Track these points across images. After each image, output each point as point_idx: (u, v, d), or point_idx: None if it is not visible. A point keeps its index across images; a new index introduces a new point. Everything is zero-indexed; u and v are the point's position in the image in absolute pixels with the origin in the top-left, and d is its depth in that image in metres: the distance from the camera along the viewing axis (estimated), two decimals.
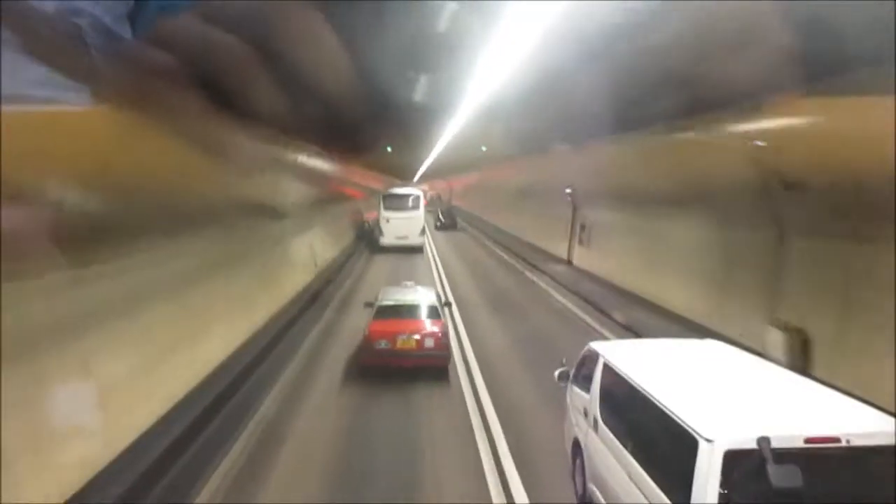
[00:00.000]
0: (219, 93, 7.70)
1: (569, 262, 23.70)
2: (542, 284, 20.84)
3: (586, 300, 17.30)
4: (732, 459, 4.14)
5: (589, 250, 21.66)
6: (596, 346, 6.97)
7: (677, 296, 14.52)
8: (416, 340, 10.72)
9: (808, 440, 4.15)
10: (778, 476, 3.96)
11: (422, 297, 12.16)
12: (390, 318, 11.22)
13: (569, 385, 7.51)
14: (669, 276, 15.03)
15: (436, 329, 10.97)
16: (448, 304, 14.80)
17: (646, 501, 4.97)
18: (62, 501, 5.93)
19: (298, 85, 8.97)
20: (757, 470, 4.06)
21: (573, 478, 7.13)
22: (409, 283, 14.26)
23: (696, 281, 13.57)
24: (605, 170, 17.58)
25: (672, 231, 14.82)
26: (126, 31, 5.34)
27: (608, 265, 19.44)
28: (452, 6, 7.79)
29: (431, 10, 7.95)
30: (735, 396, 5.10)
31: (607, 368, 6.38)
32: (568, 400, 7.53)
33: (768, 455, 4.03)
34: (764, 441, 4.07)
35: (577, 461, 6.97)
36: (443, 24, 8.20)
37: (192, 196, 9.37)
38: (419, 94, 12.44)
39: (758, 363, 6.00)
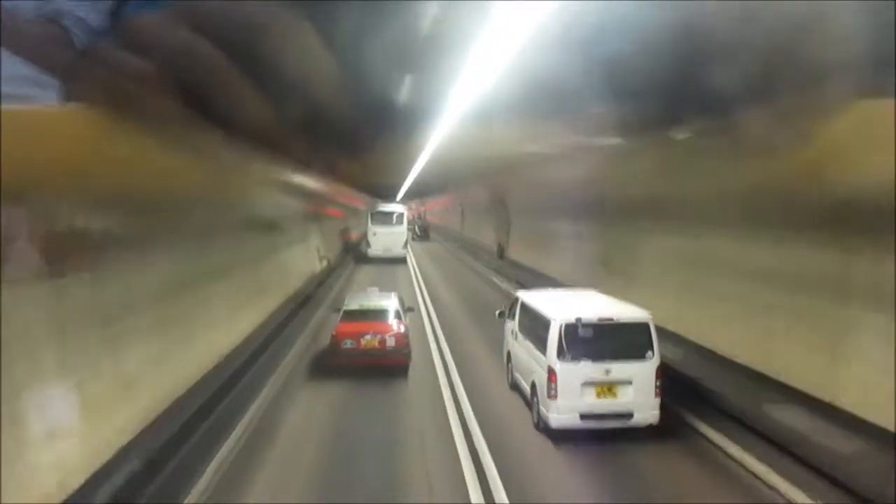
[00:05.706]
0: (198, 97, 7.82)
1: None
2: None
3: None
4: (566, 328, 8.95)
5: None
6: (519, 293, 11.80)
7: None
8: (380, 340, 11.89)
9: (599, 318, 9.04)
10: (583, 332, 8.84)
11: (385, 301, 13.27)
12: (356, 321, 12.31)
13: (505, 320, 12.31)
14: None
15: (397, 329, 12.16)
16: (410, 309, 15.03)
17: (535, 363, 9.75)
18: (61, 501, 5.96)
19: (280, 91, 9.17)
20: (576, 332, 8.90)
21: (507, 375, 11.89)
22: (373, 288, 15.34)
23: None
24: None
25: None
26: (106, 28, 5.34)
27: None
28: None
29: (418, 21, 7.95)
30: (575, 305, 9.98)
31: (523, 304, 11.18)
32: (505, 329, 12.32)
33: (580, 325, 8.88)
34: (578, 319, 8.92)
35: (509, 364, 11.75)
36: (426, 34, 8.39)
37: (156, 212, 8.94)
38: (401, 113, 12.66)
39: (598, 295, 10.90)
